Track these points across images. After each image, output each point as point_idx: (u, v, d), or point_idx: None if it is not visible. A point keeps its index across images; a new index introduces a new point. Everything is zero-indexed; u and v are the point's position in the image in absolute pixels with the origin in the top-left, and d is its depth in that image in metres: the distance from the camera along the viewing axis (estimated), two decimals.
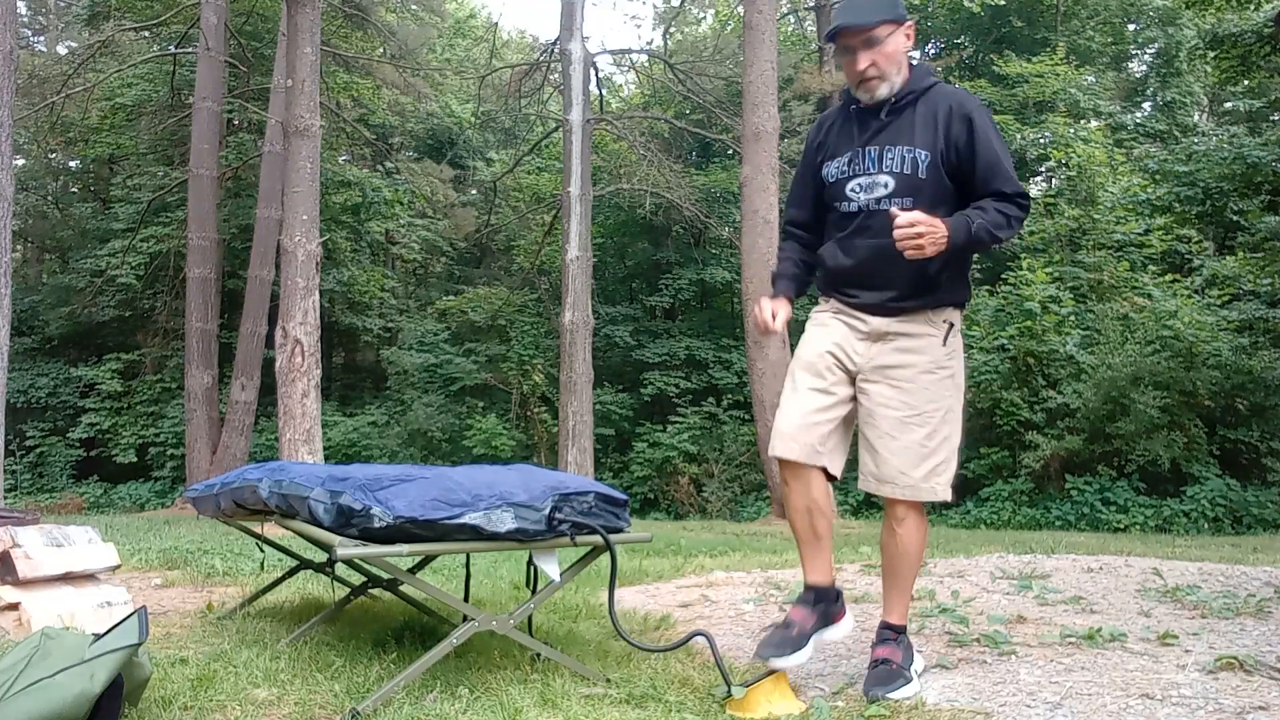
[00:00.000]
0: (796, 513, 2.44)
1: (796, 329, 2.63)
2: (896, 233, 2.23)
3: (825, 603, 2.44)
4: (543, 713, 2.20)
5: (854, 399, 2.46)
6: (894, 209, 2.28)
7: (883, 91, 2.39)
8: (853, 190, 2.44)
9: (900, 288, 2.39)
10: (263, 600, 3.69)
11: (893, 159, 2.38)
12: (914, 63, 2.46)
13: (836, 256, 2.50)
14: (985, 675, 2.50)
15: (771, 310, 2.50)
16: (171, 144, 18.10)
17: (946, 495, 2.39)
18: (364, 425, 17.80)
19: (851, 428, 2.49)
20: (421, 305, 21.45)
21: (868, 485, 2.43)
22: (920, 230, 2.21)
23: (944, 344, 2.40)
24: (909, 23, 2.39)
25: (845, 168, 2.46)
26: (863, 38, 2.34)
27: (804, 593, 2.46)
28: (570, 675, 2.49)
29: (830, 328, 2.50)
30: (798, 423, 2.41)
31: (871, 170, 2.41)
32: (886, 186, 2.39)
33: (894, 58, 2.37)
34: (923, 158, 2.36)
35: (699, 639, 2.58)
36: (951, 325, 2.42)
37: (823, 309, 2.56)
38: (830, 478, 2.44)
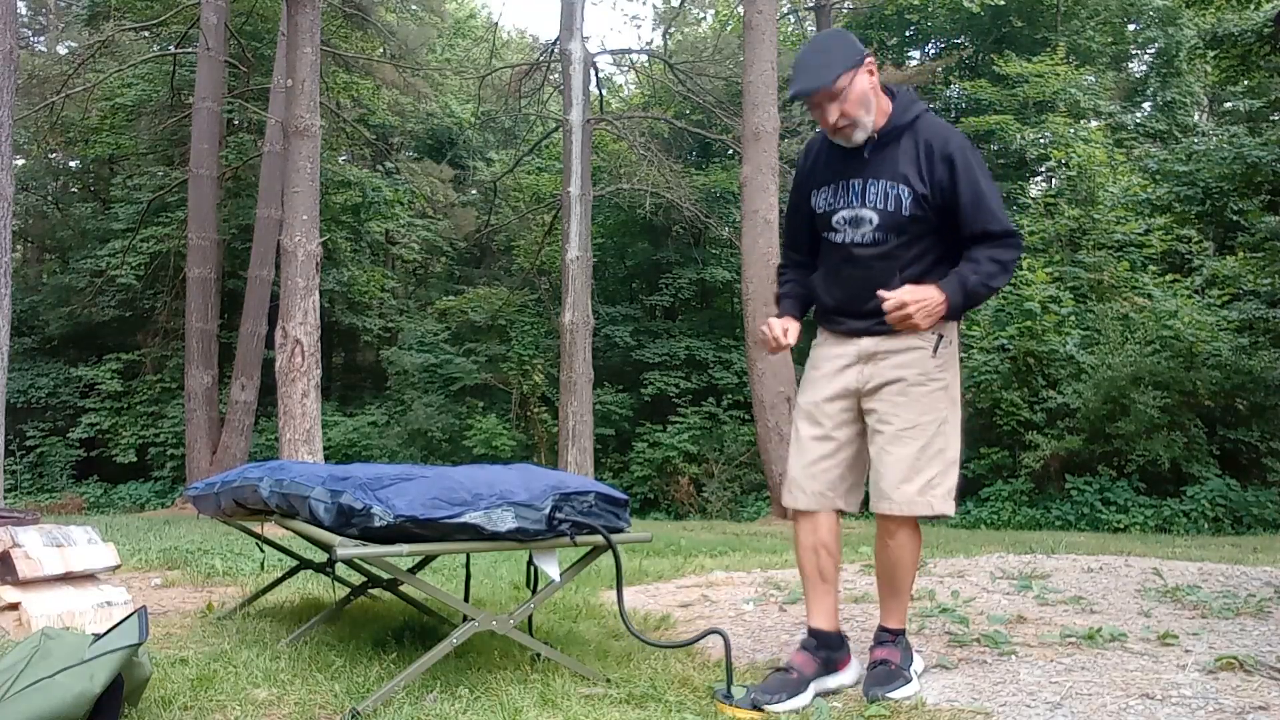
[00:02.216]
0: (804, 551, 2.47)
1: (803, 333, 2.64)
2: (888, 318, 2.25)
3: (828, 649, 2.43)
4: (543, 713, 2.20)
5: (861, 434, 2.47)
6: (881, 292, 2.27)
7: (859, 136, 2.37)
8: (838, 222, 2.45)
9: (881, 315, 2.39)
10: (263, 600, 3.69)
11: (876, 194, 2.38)
12: (897, 91, 2.43)
13: (826, 285, 2.53)
14: (985, 675, 2.50)
15: (783, 328, 2.49)
16: (171, 144, 18.10)
17: (945, 509, 2.37)
18: (364, 425, 17.81)
19: (865, 461, 2.49)
20: (421, 305, 21.45)
21: (872, 503, 2.43)
22: (909, 311, 2.22)
23: (934, 355, 2.39)
24: (867, 60, 2.34)
25: (831, 199, 2.46)
26: (824, 94, 2.32)
27: (806, 637, 2.46)
28: (570, 675, 2.49)
29: (822, 368, 2.51)
30: (804, 472, 2.46)
31: (855, 204, 2.41)
32: (871, 222, 2.39)
33: (861, 100, 2.33)
34: (905, 194, 2.35)
35: (714, 637, 2.57)
36: (941, 336, 2.41)
37: (818, 343, 2.58)
38: (844, 513, 2.49)
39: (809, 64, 2.32)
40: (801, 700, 2.31)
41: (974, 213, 2.33)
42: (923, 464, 2.35)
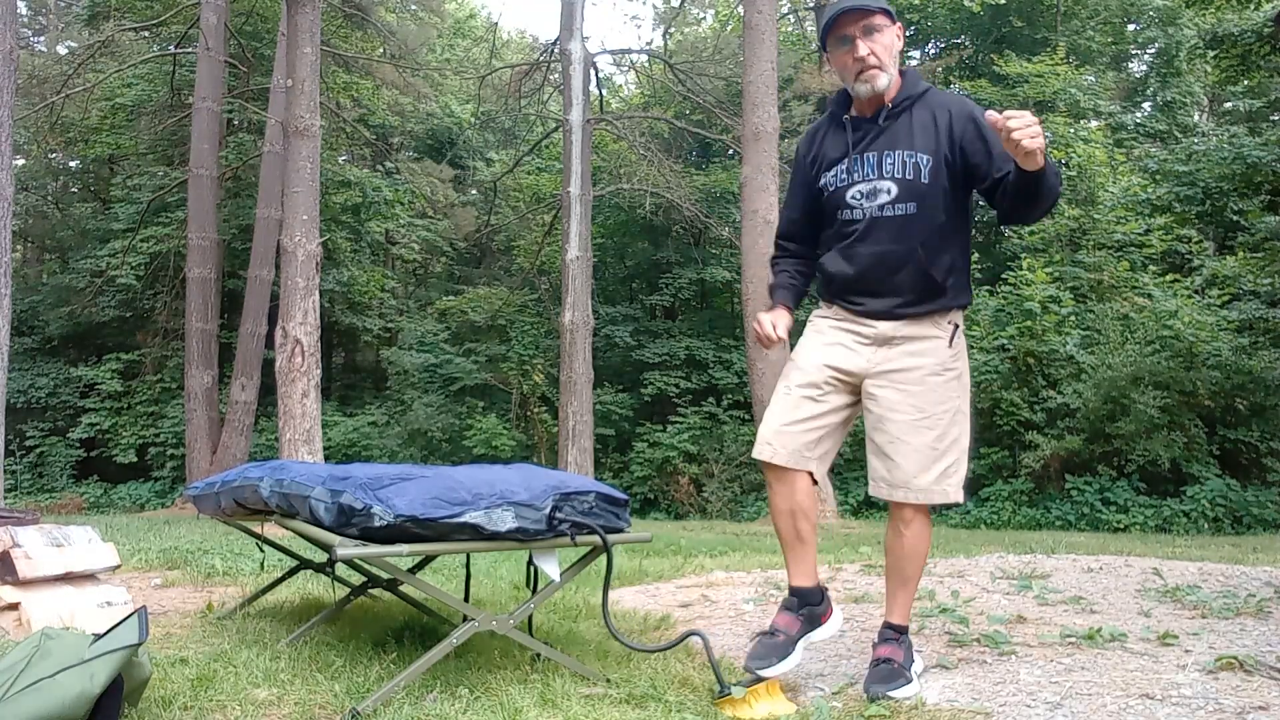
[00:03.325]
0: (780, 515, 2.44)
1: (798, 334, 2.63)
2: (1020, 122, 2.03)
3: (810, 605, 2.43)
4: (543, 713, 2.20)
5: (850, 407, 2.45)
6: (991, 113, 2.12)
7: (882, 82, 2.36)
8: (854, 197, 2.42)
9: (906, 294, 2.38)
10: (263, 600, 3.69)
11: (893, 164, 2.36)
12: (905, 70, 2.45)
13: (839, 264, 2.48)
14: (985, 675, 2.50)
15: (771, 322, 2.47)
16: (171, 144, 18.11)
17: (959, 497, 2.38)
18: (364, 425, 17.81)
19: (843, 434, 2.49)
20: (421, 305, 21.45)
21: (879, 491, 2.42)
22: (1031, 119, 2.06)
23: (950, 345, 2.39)
24: (900, 25, 2.40)
25: (844, 175, 2.44)
26: (862, 24, 2.33)
27: (787, 597, 2.46)
28: (570, 675, 2.49)
29: (828, 335, 2.49)
30: (782, 427, 2.41)
31: (871, 176, 2.39)
32: (889, 193, 2.37)
33: (890, 51, 2.36)
34: (925, 162, 2.34)
35: (693, 639, 2.57)
36: (957, 327, 2.42)
37: (824, 314, 2.54)
38: (814, 481, 2.46)
39: None
40: (793, 660, 2.33)
41: (1006, 154, 2.22)
42: (940, 453, 2.35)
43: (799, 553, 2.44)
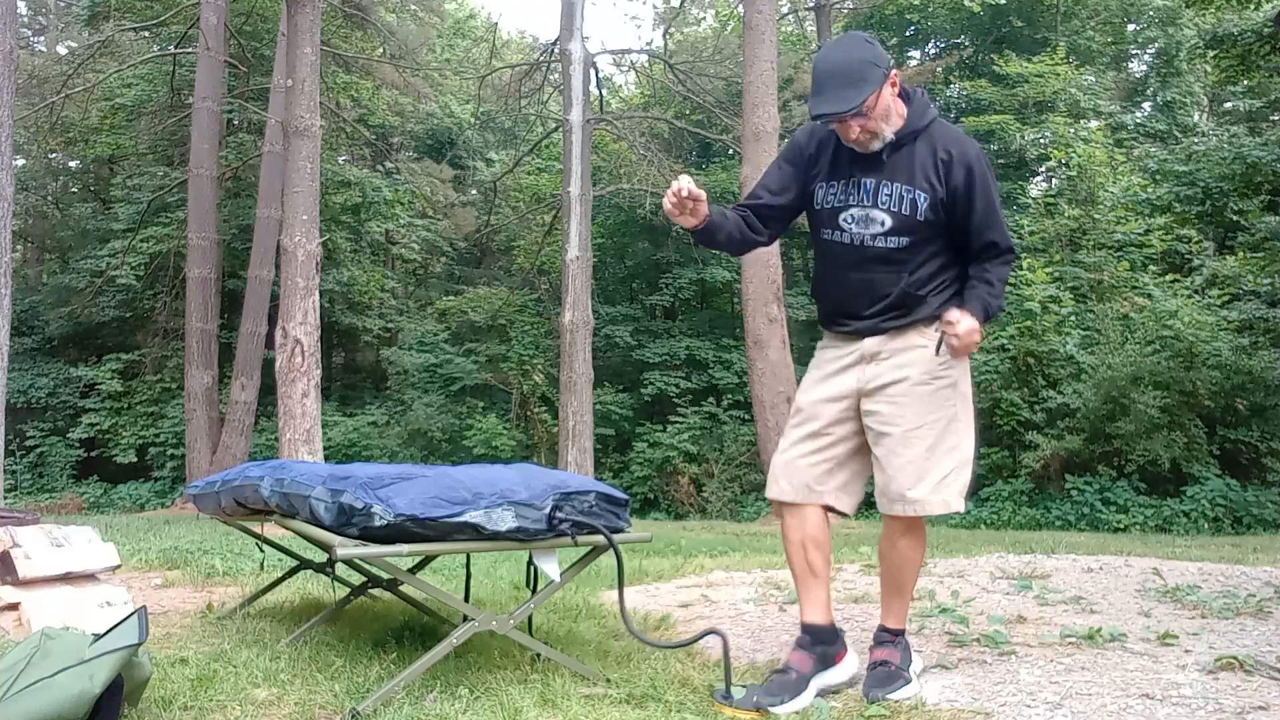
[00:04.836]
0: (792, 546, 2.44)
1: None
2: (957, 342, 2.26)
3: (824, 644, 2.41)
4: (543, 713, 2.20)
5: (858, 432, 2.45)
6: (951, 313, 2.27)
7: (875, 146, 2.35)
8: (845, 221, 2.42)
9: (885, 313, 2.40)
10: (263, 600, 3.69)
11: (889, 196, 2.36)
12: (912, 94, 2.40)
13: (828, 287, 2.51)
14: (985, 675, 2.50)
15: (690, 188, 2.31)
16: (171, 144, 18.11)
17: (959, 505, 2.36)
18: (364, 425, 17.81)
19: (863, 462, 2.47)
20: (421, 305, 21.46)
21: (881, 505, 2.41)
22: (977, 338, 2.26)
23: (937, 353, 2.38)
24: (892, 73, 2.29)
25: (839, 196, 2.42)
26: (848, 119, 2.29)
27: (801, 635, 2.44)
28: (570, 675, 2.49)
29: (824, 368, 2.51)
30: (787, 464, 2.44)
31: (866, 204, 2.38)
32: (883, 224, 2.37)
33: (884, 114, 2.31)
34: (921, 199, 2.33)
35: (712, 637, 2.56)
36: (944, 334, 2.41)
37: (822, 345, 2.57)
38: (839, 514, 2.46)
39: (836, 80, 2.26)
40: (803, 700, 2.30)
41: (984, 224, 2.34)
42: (933, 463, 2.34)
43: (811, 587, 2.44)
